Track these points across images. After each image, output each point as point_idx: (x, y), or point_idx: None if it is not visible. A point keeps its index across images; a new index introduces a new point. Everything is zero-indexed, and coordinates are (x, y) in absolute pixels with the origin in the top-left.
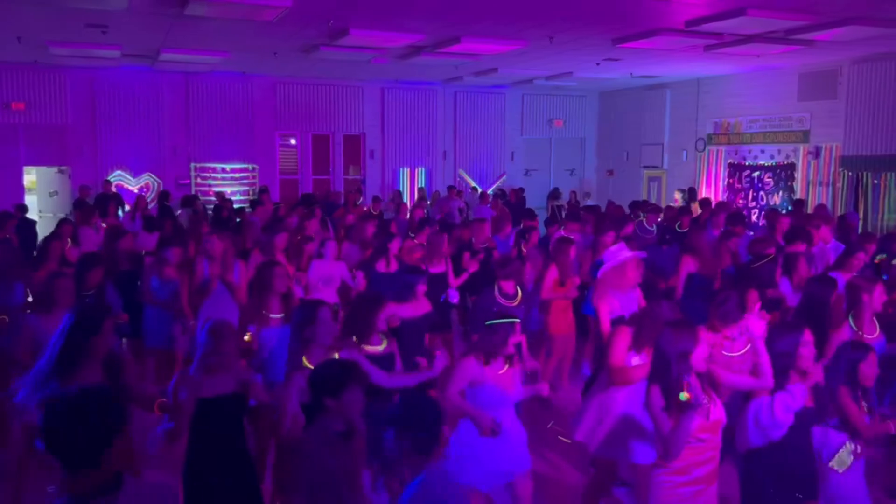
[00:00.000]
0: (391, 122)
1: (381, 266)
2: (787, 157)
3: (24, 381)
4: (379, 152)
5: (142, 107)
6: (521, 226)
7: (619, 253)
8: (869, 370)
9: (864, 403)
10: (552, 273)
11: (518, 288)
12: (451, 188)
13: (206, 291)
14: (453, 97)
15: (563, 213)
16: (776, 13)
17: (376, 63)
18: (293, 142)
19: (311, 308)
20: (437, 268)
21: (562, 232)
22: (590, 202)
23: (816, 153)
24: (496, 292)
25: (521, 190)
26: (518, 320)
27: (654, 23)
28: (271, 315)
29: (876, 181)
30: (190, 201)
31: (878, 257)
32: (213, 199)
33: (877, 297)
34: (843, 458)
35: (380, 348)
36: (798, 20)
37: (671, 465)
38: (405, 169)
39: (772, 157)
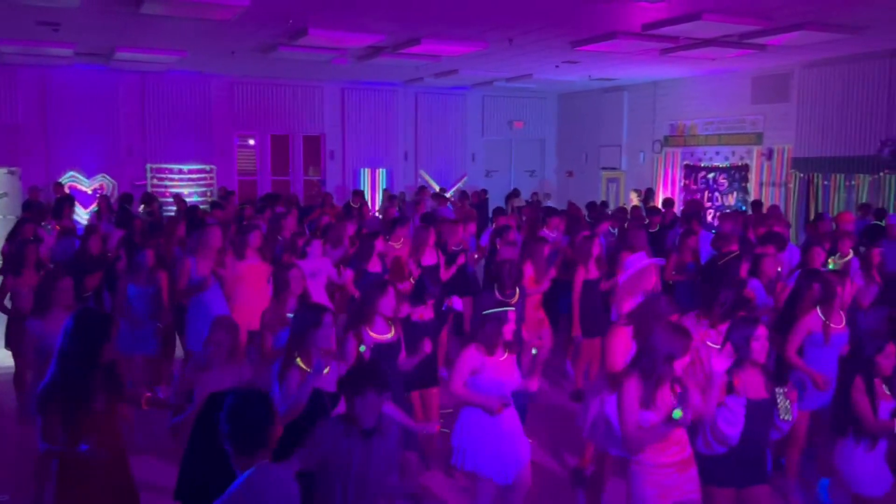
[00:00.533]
0: (352, 122)
1: (369, 265)
2: (741, 158)
3: (38, 392)
4: (339, 153)
5: (96, 106)
6: (494, 225)
7: (639, 260)
8: (887, 362)
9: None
10: (528, 270)
11: (517, 287)
12: (422, 188)
13: (202, 287)
14: (414, 98)
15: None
16: (731, 18)
17: (336, 63)
18: (252, 142)
19: (317, 313)
20: (428, 260)
21: (544, 230)
22: (550, 203)
23: (769, 155)
24: (496, 291)
25: (484, 192)
26: (511, 309)
27: (612, 26)
28: (289, 315)
29: (826, 182)
30: (148, 200)
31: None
32: (171, 199)
33: (847, 291)
34: (785, 406)
35: (388, 336)
36: (752, 25)
37: (652, 456)
38: (366, 170)
39: (726, 158)
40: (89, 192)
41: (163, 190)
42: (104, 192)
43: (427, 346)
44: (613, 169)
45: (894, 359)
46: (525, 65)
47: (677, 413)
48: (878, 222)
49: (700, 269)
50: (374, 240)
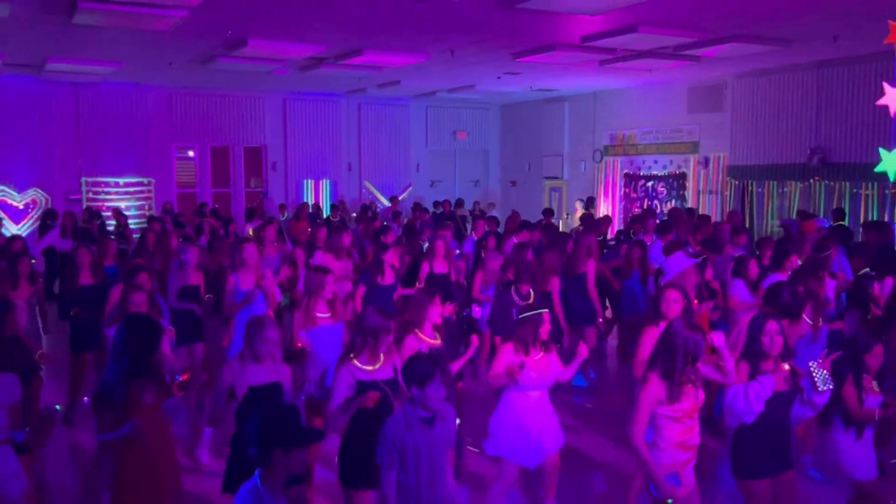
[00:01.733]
0: (294, 133)
1: (378, 279)
2: (679, 167)
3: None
4: (281, 164)
5: (27, 119)
6: (475, 233)
7: (681, 262)
8: (874, 361)
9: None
10: (511, 274)
11: (531, 289)
12: (393, 199)
13: (249, 300)
14: (357, 109)
15: (467, 222)
16: (665, 30)
17: (277, 74)
18: (191, 154)
19: (385, 320)
20: (440, 268)
21: (514, 238)
22: (494, 213)
23: (705, 163)
24: (513, 293)
25: (448, 202)
26: (545, 311)
27: (552, 38)
28: (319, 315)
29: (760, 189)
30: (90, 217)
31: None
32: (109, 214)
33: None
34: (821, 376)
35: (436, 341)
36: (686, 37)
37: (669, 443)
38: (309, 181)
39: (664, 167)
40: (20, 206)
41: (99, 204)
42: (31, 209)
43: (475, 341)
44: (556, 178)
45: (881, 358)
46: (467, 76)
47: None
48: (842, 223)
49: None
50: (384, 254)
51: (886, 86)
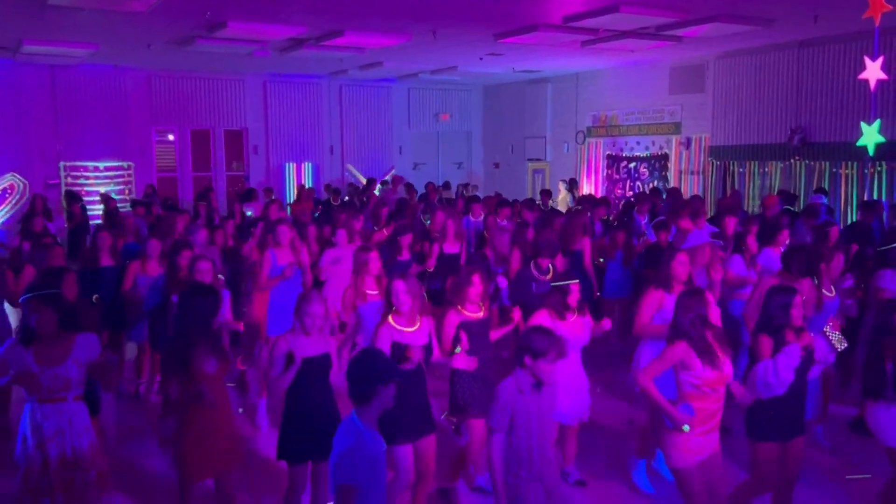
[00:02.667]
0: (275, 116)
1: (397, 256)
2: (661, 147)
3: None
4: (263, 147)
5: (2, 102)
6: (472, 215)
7: (699, 237)
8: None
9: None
10: (516, 255)
11: (551, 264)
12: (396, 177)
13: (284, 276)
14: (339, 91)
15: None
16: (647, 10)
17: (257, 56)
18: (171, 137)
19: (414, 285)
20: (450, 248)
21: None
22: (479, 195)
23: (687, 144)
24: (532, 268)
25: (448, 184)
26: (575, 281)
27: (533, 19)
28: (368, 292)
29: (741, 169)
30: (70, 200)
31: None
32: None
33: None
34: (837, 337)
35: (480, 314)
36: (667, 17)
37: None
38: (291, 164)
39: (647, 148)
40: None
41: (78, 188)
42: (8, 194)
43: (517, 315)
44: (539, 160)
45: None
46: (449, 57)
47: (685, 428)
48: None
49: (634, 256)
50: (403, 235)
51: (867, 59)
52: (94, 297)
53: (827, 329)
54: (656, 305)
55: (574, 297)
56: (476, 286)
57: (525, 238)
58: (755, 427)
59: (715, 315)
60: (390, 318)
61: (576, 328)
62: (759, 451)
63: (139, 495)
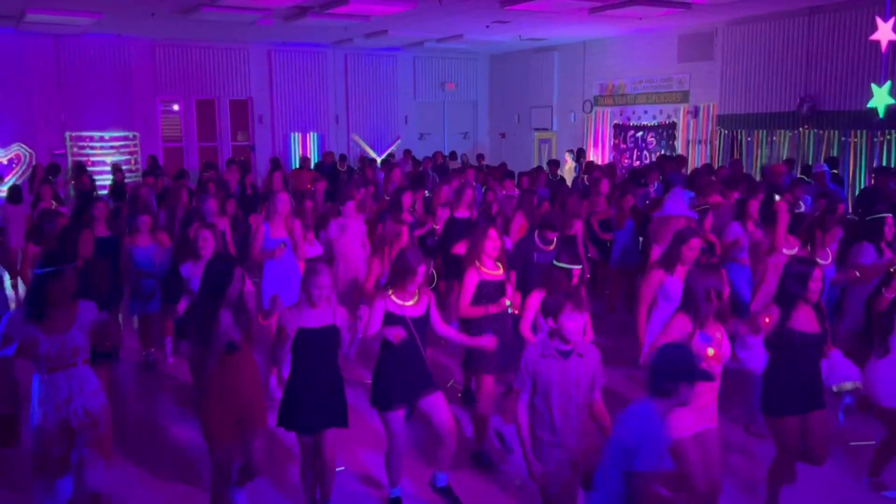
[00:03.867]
0: (280, 85)
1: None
2: (669, 116)
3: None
4: (268, 117)
5: (6, 72)
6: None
7: (675, 207)
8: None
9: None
10: (519, 220)
11: (556, 236)
12: (407, 152)
13: (275, 256)
14: (344, 60)
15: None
16: None
17: (261, 24)
18: (176, 108)
19: (416, 261)
20: (461, 213)
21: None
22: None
23: (695, 113)
24: (536, 237)
25: (454, 154)
26: (579, 266)
27: None
28: None
29: (749, 138)
30: (78, 172)
31: None
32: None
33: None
34: (845, 387)
35: (498, 272)
36: None
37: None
38: (296, 134)
39: (654, 117)
40: (4, 162)
41: (84, 158)
42: (15, 164)
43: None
44: (545, 130)
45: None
46: (455, 25)
47: (710, 350)
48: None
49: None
50: (401, 195)
51: (879, 20)
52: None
53: None
54: (657, 286)
55: (573, 283)
56: (493, 240)
57: (530, 205)
58: (769, 402)
59: (726, 291)
60: (389, 293)
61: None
62: (776, 426)
63: (155, 458)
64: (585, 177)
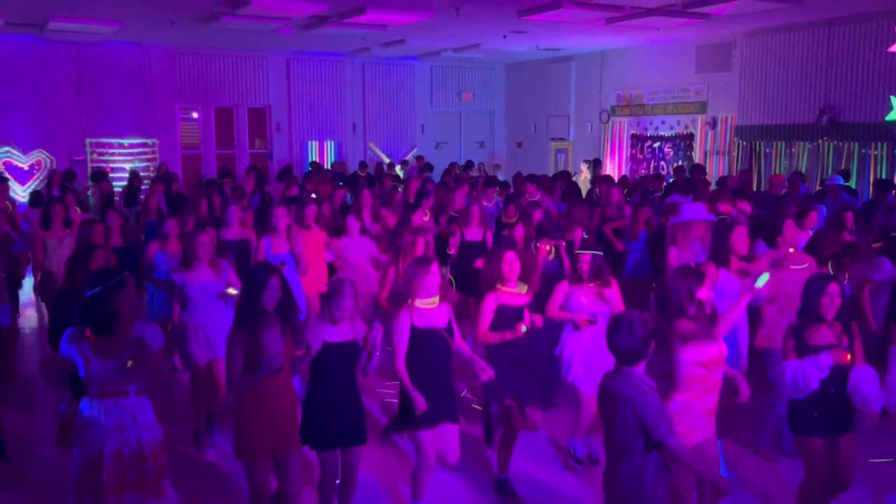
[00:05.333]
0: (298, 94)
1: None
2: (686, 127)
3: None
4: (286, 125)
5: (29, 79)
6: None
7: (694, 211)
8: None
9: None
10: (519, 231)
11: (554, 245)
12: (419, 158)
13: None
14: (361, 69)
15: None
16: None
17: (280, 33)
18: (195, 115)
19: (425, 263)
20: (473, 235)
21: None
22: (500, 175)
23: (713, 124)
24: (532, 249)
25: (470, 163)
26: (588, 252)
27: None
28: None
29: (768, 150)
30: (98, 178)
31: None
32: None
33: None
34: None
35: (522, 292)
36: None
37: (685, 395)
38: (314, 142)
39: (672, 127)
40: (25, 168)
41: (104, 165)
42: (36, 170)
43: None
44: (562, 139)
45: None
46: (472, 35)
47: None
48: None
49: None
50: (412, 212)
51: None
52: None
53: None
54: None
55: (584, 267)
56: (509, 263)
57: (531, 217)
58: (798, 422)
59: (706, 293)
60: (411, 303)
61: (596, 298)
62: (805, 446)
63: (190, 481)
64: (598, 189)
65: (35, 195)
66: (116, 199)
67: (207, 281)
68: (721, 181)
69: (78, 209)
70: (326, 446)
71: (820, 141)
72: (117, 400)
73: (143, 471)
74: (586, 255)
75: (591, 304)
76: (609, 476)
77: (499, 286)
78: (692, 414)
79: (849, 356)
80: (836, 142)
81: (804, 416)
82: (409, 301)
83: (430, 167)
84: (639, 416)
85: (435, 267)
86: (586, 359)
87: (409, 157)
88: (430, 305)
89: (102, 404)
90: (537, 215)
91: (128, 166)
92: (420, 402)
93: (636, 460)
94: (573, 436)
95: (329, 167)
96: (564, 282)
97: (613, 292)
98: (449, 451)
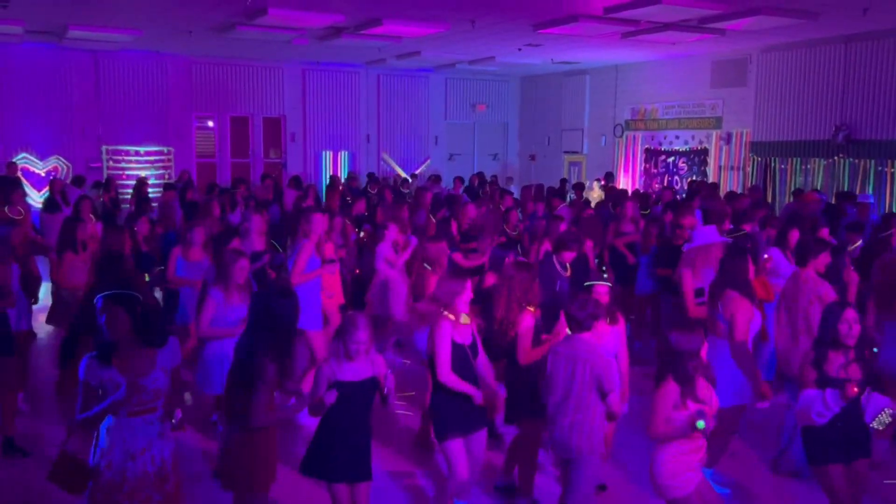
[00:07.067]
0: (313, 104)
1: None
2: (701, 142)
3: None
4: (300, 135)
5: (47, 86)
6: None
7: (709, 235)
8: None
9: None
10: (546, 245)
11: (572, 256)
12: (431, 176)
13: (323, 269)
14: (376, 80)
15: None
16: (691, 2)
17: (296, 43)
18: (210, 124)
19: (463, 279)
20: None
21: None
22: (513, 187)
23: (728, 139)
24: (555, 262)
25: (482, 175)
26: (597, 283)
27: (574, 9)
28: None
29: (783, 166)
30: (107, 187)
31: None
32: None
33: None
34: (883, 419)
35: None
36: (711, 9)
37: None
38: (328, 152)
39: (686, 142)
40: (42, 174)
41: (119, 172)
42: (54, 175)
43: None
44: (575, 153)
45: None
46: (487, 47)
47: (700, 424)
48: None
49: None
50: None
51: None
52: (145, 276)
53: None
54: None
55: (602, 301)
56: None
57: (557, 230)
58: (811, 450)
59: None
60: (447, 315)
61: (604, 335)
62: (825, 475)
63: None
64: (611, 204)
65: (50, 200)
66: (125, 206)
67: (240, 305)
68: (729, 197)
69: (92, 216)
70: (337, 479)
71: (836, 158)
72: (146, 417)
73: (165, 491)
74: (603, 287)
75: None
76: (562, 427)
77: (530, 308)
78: (679, 456)
79: (856, 389)
80: (852, 159)
81: (819, 444)
82: (451, 315)
83: (438, 178)
84: (596, 374)
85: (469, 284)
86: None
87: (422, 169)
88: (464, 322)
89: (131, 423)
90: (561, 228)
91: (143, 174)
92: (477, 397)
93: (590, 411)
94: None
95: (344, 180)
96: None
97: (619, 330)
98: (477, 454)
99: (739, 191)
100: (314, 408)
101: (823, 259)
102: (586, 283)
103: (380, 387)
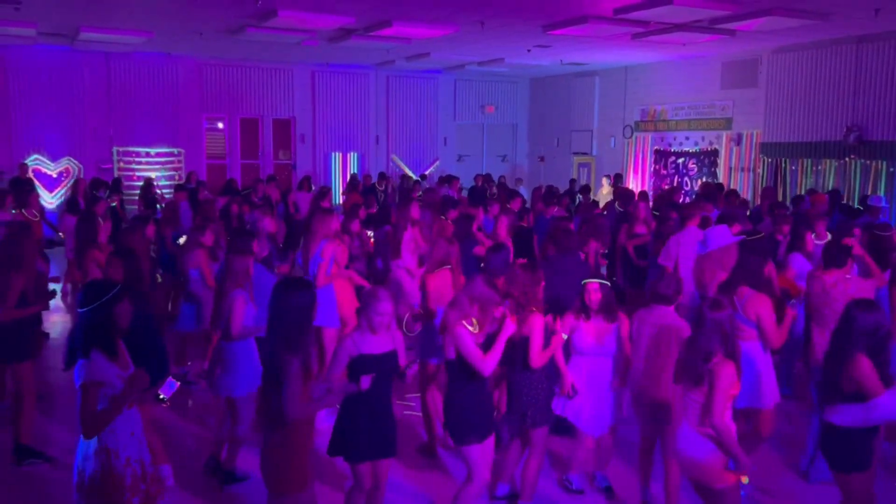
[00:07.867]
0: (322, 105)
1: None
2: (711, 143)
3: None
4: (310, 136)
5: (60, 87)
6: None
7: (723, 236)
8: None
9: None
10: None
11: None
12: (441, 178)
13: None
14: (385, 81)
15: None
16: (701, 2)
17: (306, 45)
18: (220, 125)
19: (493, 292)
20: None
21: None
22: (522, 189)
23: (738, 140)
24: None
25: (489, 177)
26: (595, 280)
27: (584, 10)
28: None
29: (794, 167)
30: (115, 189)
31: None
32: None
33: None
34: None
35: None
36: (722, 10)
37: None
38: (337, 154)
39: (696, 143)
40: (54, 175)
41: (130, 173)
42: (65, 177)
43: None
44: (584, 154)
45: None
46: (497, 49)
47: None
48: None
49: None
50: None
51: None
52: (158, 275)
53: None
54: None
55: (593, 298)
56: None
57: (564, 230)
58: (832, 456)
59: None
60: (463, 321)
61: (598, 331)
62: (844, 483)
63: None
64: (618, 203)
65: (72, 201)
66: (133, 207)
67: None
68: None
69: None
70: (361, 459)
71: (847, 159)
72: (133, 407)
73: (146, 492)
74: (594, 284)
75: (598, 341)
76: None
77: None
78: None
79: None
80: (863, 160)
81: (839, 449)
82: (474, 323)
83: (449, 179)
84: (680, 339)
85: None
86: (584, 395)
87: (431, 170)
88: (474, 332)
89: (131, 415)
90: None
91: (153, 175)
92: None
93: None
94: (570, 469)
95: (361, 180)
96: (569, 315)
97: (622, 328)
98: (489, 459)
99: (750, 193)
100: (341, 392)
101: (849, 267)
102: (585, 282)
103: (397, 361)
